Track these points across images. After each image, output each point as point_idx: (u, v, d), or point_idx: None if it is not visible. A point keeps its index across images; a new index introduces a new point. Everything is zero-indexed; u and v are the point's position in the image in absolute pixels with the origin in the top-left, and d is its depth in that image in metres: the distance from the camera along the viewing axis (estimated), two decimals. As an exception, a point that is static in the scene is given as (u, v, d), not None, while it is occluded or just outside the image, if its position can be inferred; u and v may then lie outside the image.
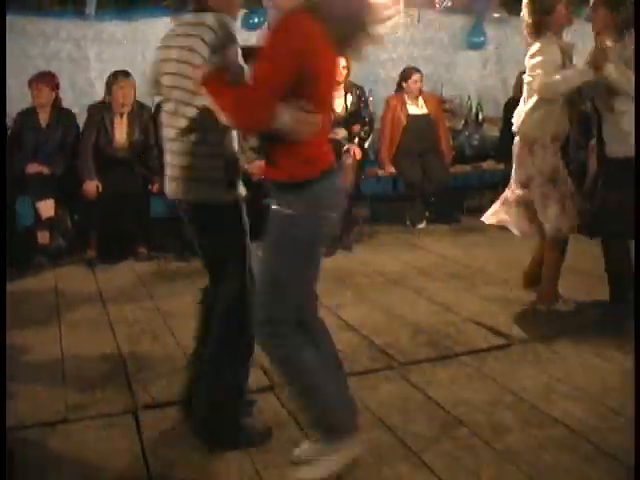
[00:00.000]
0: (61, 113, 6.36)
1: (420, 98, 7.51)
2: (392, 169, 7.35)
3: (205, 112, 2.68)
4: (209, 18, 2.74)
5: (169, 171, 2.97)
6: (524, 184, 4.53)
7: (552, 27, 4.31)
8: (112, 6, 7.50)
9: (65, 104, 6.53)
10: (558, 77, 4.20)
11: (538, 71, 4.24)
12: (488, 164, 7.91)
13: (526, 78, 4.40)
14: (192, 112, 2.78)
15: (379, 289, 5.14)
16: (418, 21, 8.41)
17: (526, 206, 4.56)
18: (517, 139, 4.55)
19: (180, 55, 2.80)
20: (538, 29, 4.31)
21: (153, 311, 4.74)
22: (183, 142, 2.85)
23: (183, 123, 2.82)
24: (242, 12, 8.23)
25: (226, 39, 2.68)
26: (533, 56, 4.30)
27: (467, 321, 4.43)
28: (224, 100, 2.46)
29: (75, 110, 6.54)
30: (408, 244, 6.73)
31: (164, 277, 5.65)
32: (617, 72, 4.08)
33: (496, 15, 9.01)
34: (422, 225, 7.44)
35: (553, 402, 3.30)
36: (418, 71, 7.49)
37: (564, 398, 3.34)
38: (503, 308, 4.66)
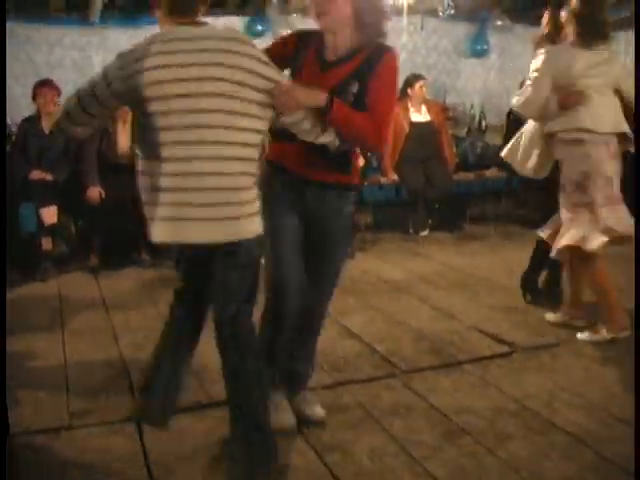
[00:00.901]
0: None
1: (423, 106, 7.51)
2: (395, 176, 7.35)
3: (260, 137, 2.66)
4: (244, 37, 2.72)
5: (201, 212, 2.54)
6: (580, 184, 4.15)
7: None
8: (116, 13, 7.55)
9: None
10: (523, 99, 4.26)
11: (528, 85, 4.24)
12: (491, 172, 7.92)
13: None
14: (244, 138, 2.58)
15: (382, 296, 5.14)
16: (421, 28, 8.44)
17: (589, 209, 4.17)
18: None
19: (232, 75, 2.52)
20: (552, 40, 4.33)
21: (156, 318, 4.73)
22: (232, 175, 2.56)
23: (232, 151, 2.56)
24: (245, 20, 8.30)
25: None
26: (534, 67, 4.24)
27: (470, 329, 4.43)
28: (357, 123, 2.73)
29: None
30: (411, 252, 6.73)
31: (167, 284, 5.64)
32: (590, 119, 4.06)
33: (499, 23, 9.05)
34: (425, 233, 7.45)
35: (556, 410, 3.30)
36: (422, 78, 7.48)
37: (567, 406, 3.34)
38: (506, 316, 4.66)
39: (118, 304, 5.08)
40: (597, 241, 4.03)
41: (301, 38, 2.98)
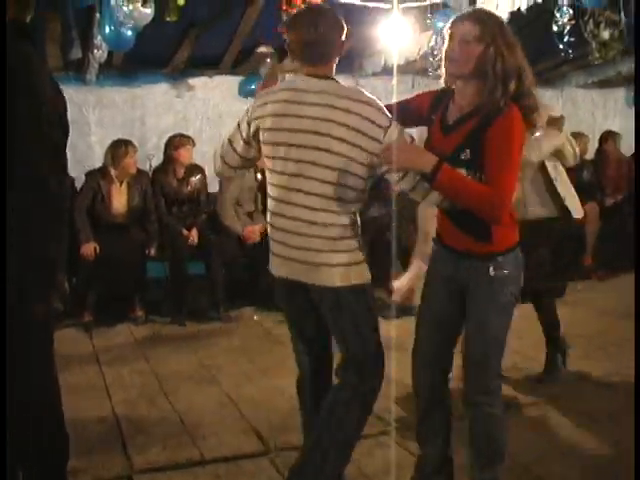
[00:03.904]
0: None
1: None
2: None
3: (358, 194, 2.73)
4: (361, 95, 2.71)
5: (291, 253, 2.74)
6: None
7: None
8: (113, 72, 7.66)
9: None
10: None
11: None
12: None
13: None
14: (340, 193, 2.67)
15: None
16: (412, 87, 8.59)
17: None
18: None
19: (338, 132, 2.62)
20: None
21: (149, 374, 4.76)
22: (323, 225, 2.68)
23: (325, 203, 2.67)
24: (239, 79, 8.44)
25: None
26: None
27: (461, 385, 4.43)
28: (469, 193, 2.57)
29: (73, 174, 6.62)
30: (401, 308, 6.74)
31: (160, 340, 5.68)
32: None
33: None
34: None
35: (546, 464, 3.32)
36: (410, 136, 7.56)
37: (557, 460, 3.35)
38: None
39: (111, 360, 5.09)
40: None
41: (437, 97, 2.80)
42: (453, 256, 2.78)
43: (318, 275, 2.72)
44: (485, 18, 2.60)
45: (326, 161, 2.63)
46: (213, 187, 7.00)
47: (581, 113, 9.79)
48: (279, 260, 2.80)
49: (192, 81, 8.31)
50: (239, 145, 2.83)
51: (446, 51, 2.62)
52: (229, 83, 8.50)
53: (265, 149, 2.76)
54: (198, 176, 6.85)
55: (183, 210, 6.77)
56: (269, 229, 2.84)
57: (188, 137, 6.85)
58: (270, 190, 2.81)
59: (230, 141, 2.86)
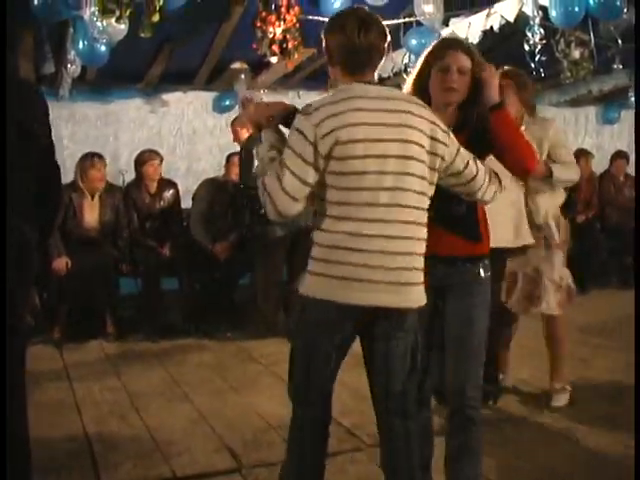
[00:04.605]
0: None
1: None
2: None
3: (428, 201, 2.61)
4: (419, 100, 2.63)
5: (379, 275, 2.47)
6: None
7: None
8: (86, 87, 7.65)
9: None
10: None
11: None
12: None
13: None
14: (418, 201, 2.53)
15: (347, 370, 5.08)
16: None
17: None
18: None
19: (418, 138, 2.50)
20: None
21: (121, 391, 4.72)
22: (410, 240, 2.51)
23: (410, 215, 2.51)
24: (213, 95, 8.46)
25: None
26: None
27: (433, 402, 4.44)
28: (520, 134, 2.88)
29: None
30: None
31: (132, 356, 5.63)
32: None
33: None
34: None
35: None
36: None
37: (528, 477, 3.37)
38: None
39: (82, 377, 5.03)
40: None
41: None
42: (441, 265, 2.78)
43: (408, 296, 2.52)
44: (472, 49, 2.84)
45: (416, 170, 2.50)
46: (186, 202, 6.99)
47: (553, 131, 9.90)
48: (361, 285, 2.45)
49: (166, 96, 8.32)
50: (310, 175, 2.42)
51: (446, 81, 2.74)
52: (203, 99, 8.52)
53: (341, 165, 2.43)
54: (171, 191, 6.84)
55: (156, 225, 6.74)
56: (347, 254, 2.45)
57: (155, 153, 6.85)
58: (351, 211, 2.45)
59: (296, 175, 2.40)
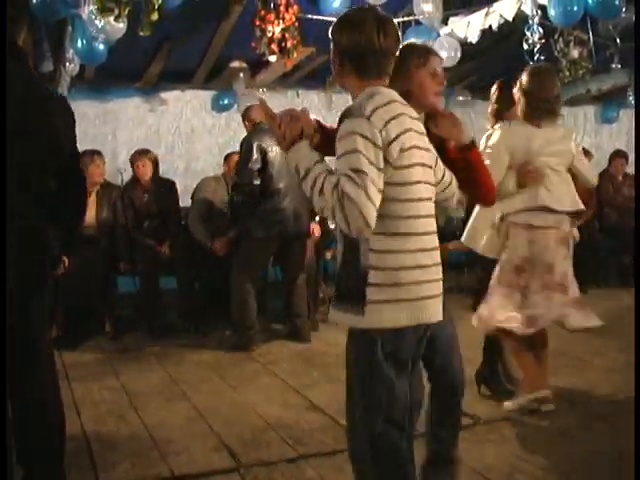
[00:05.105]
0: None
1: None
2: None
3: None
4: None
5: (435, 289, 2.44)
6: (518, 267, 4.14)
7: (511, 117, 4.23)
8: (85, 85, 7.64)
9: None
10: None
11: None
12: (454, 244, 7.98)
13: None
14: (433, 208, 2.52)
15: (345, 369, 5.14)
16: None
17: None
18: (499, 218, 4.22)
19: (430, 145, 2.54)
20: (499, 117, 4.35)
21: (119, 390, 4.71)
22: (438, 249, 2.47)
23: (435, 224, 2.50)
24: (212, 94, 8.45)
25: None
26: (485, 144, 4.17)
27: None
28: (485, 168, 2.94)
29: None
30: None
31: (130, 356, 5.63)
32: (549, 197, 4.08)
33: (460, 98, 9.30)
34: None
35: (517, 482, 3.32)
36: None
37: (529, 478, 3.36)
38: (469, 388, 4.66)
39: (80, 376, 5.02)
40: (515, 325, 4.08)
41: None
42: None
43: (441, 308, 2.47)
44: None
45: (432, 179, 2.49)
46: (184, 201, 6.99)
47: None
48: (433, 302, 2.41)
49: (165, 95, 8.31)
50: (382, 183, 2.23)
51: (438, 86, 2.82)
52: (202, 97, 8.51)
53: (402, 175, 2.31)
54: (169, 190, 6.83)
55: (154, 224, 6.73)
56: (418, 273, 2.35)
57: (145, 151, 6.83)
58: (417, 225, 2.37)
59: (375, 183, 2.18)
